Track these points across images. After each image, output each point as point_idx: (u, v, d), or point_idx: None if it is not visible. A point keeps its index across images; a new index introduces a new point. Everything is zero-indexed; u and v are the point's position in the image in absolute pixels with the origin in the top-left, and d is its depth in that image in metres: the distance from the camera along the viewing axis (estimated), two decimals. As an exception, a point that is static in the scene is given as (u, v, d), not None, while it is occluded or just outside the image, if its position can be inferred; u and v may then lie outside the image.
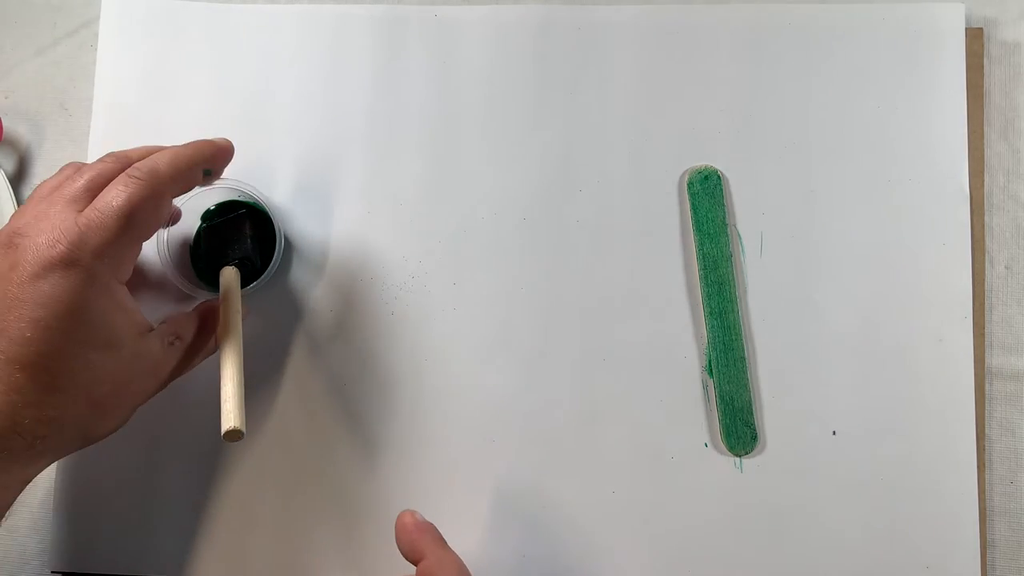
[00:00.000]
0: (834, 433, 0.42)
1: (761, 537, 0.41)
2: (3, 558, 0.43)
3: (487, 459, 0.42)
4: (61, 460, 0.43)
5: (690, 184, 0.43)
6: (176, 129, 0.44)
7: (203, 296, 0.42)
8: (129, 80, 0.45)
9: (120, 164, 0.36)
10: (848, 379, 0.42)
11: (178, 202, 0.41)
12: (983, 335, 0.42)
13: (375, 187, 0.44)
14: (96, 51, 0.46)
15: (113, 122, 0.45)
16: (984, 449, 0.41)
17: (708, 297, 0.42)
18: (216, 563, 0.42)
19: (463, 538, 0.41)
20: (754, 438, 0.42)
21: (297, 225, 0.44)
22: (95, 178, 0.35)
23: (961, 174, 0.43)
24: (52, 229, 0.33)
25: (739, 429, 0.42)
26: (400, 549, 0.35)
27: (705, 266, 0.43)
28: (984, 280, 0.43)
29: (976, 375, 0.42)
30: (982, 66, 0.44)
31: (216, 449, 0.43)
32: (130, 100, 0.45)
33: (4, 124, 0.46)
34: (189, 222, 0.43)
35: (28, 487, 0.35)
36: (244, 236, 0.42)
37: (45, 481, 0.43)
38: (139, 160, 0.36)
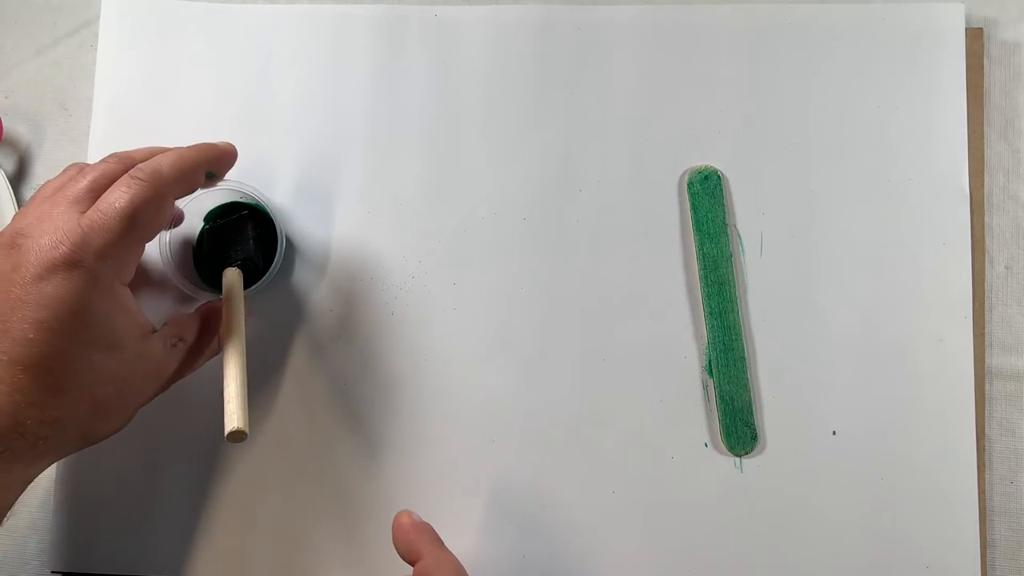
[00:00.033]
0: (834, 433, 0.42)
1: (761, 537, 0.41)
2: (3, 558, 0.43)
3: (487, 459, 0.42)
4: (61, 460, 0.43)
5: (690, 184, 0.43)
6: (176, 129, 0.44)
7: (205, 297, 0.42)
8: (129, 80, 0.45)
9: (123, 165, 0.36)
10: (848, 379, 0.42)
11: (180, 204, 0.41)
12: (983, 335, 0.42)
13: (375, 187, 0.44)
14: (96, 51, 0.46)
15: (113, 122, 0.45)
16: (984, 449, 0.41)
17: (708, 297, 0.42)
18: (216, 563, 0.42)
19: (463, 538, 0.41)
20: (754, 438, 0.42)
21: (297, 225, 0.44)
22: (98, 179, 0.35)
23: (961, 174, 0.43)
24: (55, 230, 0.33)
25: (739, 429, 0.42)
26: (397, 549, 0.35)
27: (705, 266, 0.43)
28: (984, 280, 0.43)
29: (976, 375, 0.42)
30: (982, 66, 0.44)
31: (216, 449, 0.43)
32: (130, 100, 0.45)
33: (4, 124, 0.46)
34: (191, 224, 0.43)
35: (29, 488, 0.35)
36: (246, 237, 0.42)
37: (45, 481, 0.43)
38: (142, 161, 0.36)
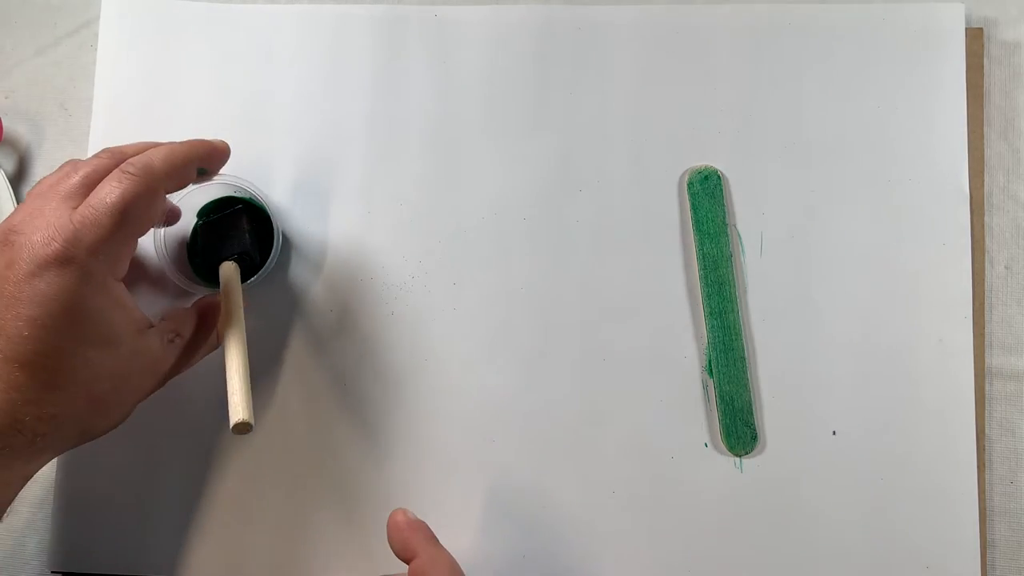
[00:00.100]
0: (834, 433, 0.42)
1: (761, 537, 0.41)
2: (3, 558, 0.43)
3: (487, 459, 0.42)
4: (61, 461, 0.43)
5: (690, 184, 0.43)
6: (176, 129, 0.44)
7: (202, 293, 0.42)
8: (129, 80, 0.45)
9: (115, 160, 0.35)
10: (848, 379, 0.42)
11: (174, 199, 0.41)
12: (983, 335, 0.42)
13: (375, 187, 0.44)
14: (96, 51, 0.46)
15: (113, 122, 0.45)
16: (984, 449, 0.41)
17: (708, 297, 0.42)
18: (216, 563, 0.42)
19: (462, 538, 0.41)
20: (754, 438, 0.42)
21: (297, 225, 0.44)
22: (90, 174, 0.35)
23: (961, 174, 0.43)
24: (47, 226, 0.33)
25: (739, 429, 0.42)
26: (392, 548, 0.35)
27: (705, 266, 0.43)
28: (984, 280, 0.43)
29: (976, 375, 0.42)
30: (982, 66, 0.44)
31: (216, 450, 0.43)
32: (130, 100, 0.45)
33: (4, 124, 0.46)
34: (186, 219, 0.42)
35: (28, 487, 0.35)
36: (241, 231, 0.42)
37: (45, 481, 0.43)
38: (134, 156, 0.36)
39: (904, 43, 0.44)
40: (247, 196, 0.43)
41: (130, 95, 0.45)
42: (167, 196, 0.38)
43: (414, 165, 0.44)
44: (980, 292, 0.42)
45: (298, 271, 0.44)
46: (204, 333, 0.39)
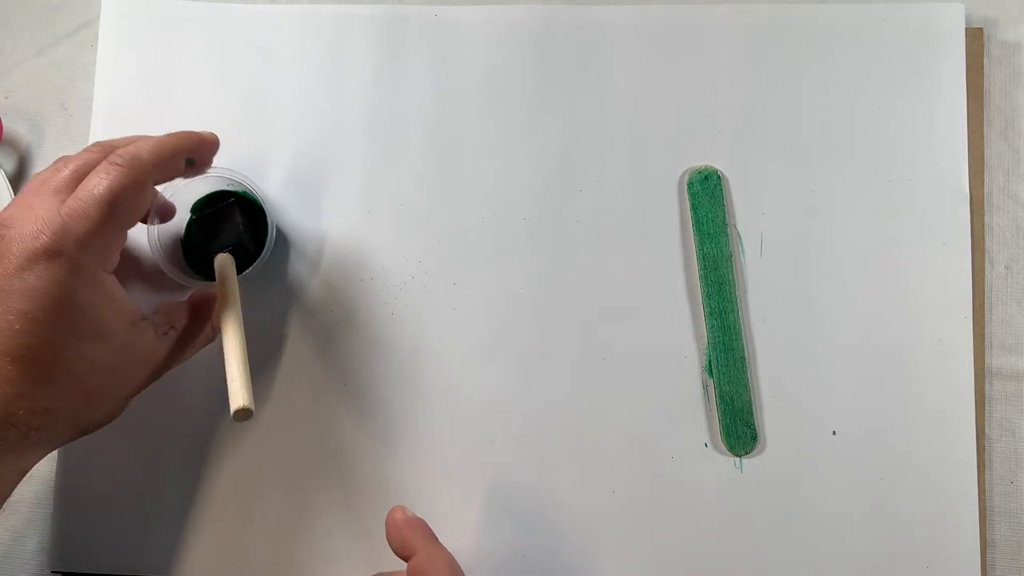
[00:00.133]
0: (834, 433, 0.42)
1: (761, 537, 0.41)
2: (3, 558, 0.43)
3: (487, 459, 0.42)
4: (61, 461, 0.43)
5: (690, 184, 0.43)
6: (176, 129, 0.44)
7: (196, 286, 0.42)
8: (129, 80, 0.45)
9: (104, 153, 0.35)
10: (848, 379, 0.42)
11: (168, 194, 0.41)
12: (983, 335, 0.42)
13: (375, 187, 0.44)
14: (96, 51, 0.46)
15: (113, 122, 0.45)
16: (984, 449, 0.41)
17: (708, 297, 0.42)
18: (215, 562, 0.42)
19: (462, 537, 0.41)
20: (754, 438, 0.42)
21: (297, 225, 0.44)
22: (80, 168, 0.35)
23: (961, 174, 0.43)
24: (36, 220, 0.33)
25: (739, 429, 0.42)
26: (391, 545, 0.35)
27: (705, 266, 0.43)
28: (984, 280, 0.43)
29: (976, 375, 0.42)
30: (982, 66, 0.44)
31: (215, 449, 0.43)
32: (130, 100, 0.45)
33: (4, 124, 0.46)
34: (180, 215, 0.42)
35: (28, 487, 0.35)
36: (235, 224, 0.42)
37: (44, 481, 0.43)
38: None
39: (904, 43, 0.44)
40: (240, 189, 0.42)
41: (130, 95, 0.45)
42: (159, 190, 0.38)
43: (414, 165, 0.44)
44: (980, 292, 0.42)
45: (298, 271, 0.44)
46: (198, 325, 0.39)
